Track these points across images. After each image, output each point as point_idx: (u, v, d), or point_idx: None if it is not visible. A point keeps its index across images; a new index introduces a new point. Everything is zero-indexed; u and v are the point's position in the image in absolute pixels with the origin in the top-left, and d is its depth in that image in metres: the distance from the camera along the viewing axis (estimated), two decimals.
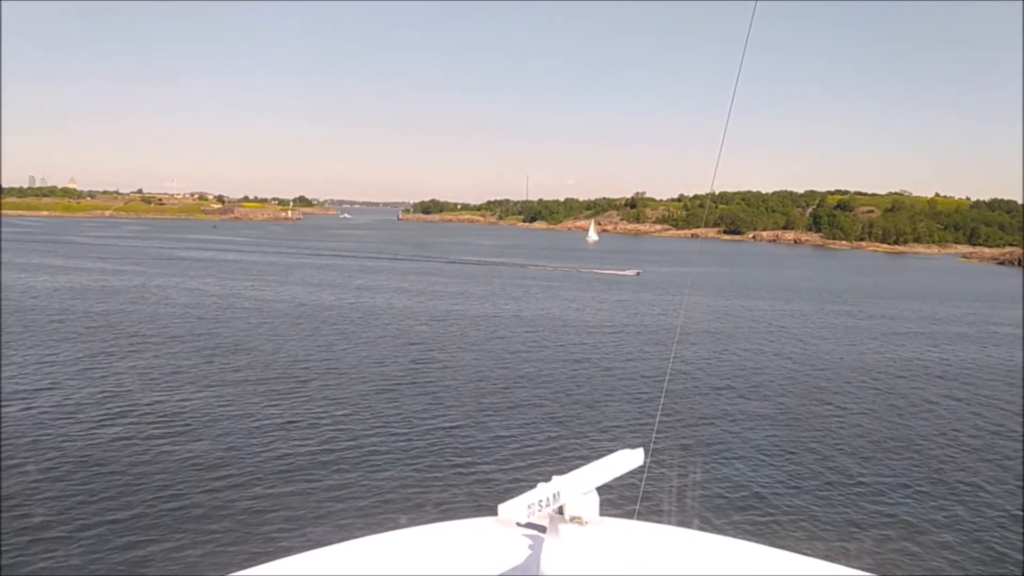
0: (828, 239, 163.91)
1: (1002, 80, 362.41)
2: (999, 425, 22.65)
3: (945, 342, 38.19)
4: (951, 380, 29.01)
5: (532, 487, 2.15)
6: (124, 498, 14.42)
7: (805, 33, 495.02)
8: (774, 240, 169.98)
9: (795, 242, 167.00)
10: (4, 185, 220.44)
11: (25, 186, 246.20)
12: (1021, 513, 15.43)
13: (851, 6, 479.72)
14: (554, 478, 2.21)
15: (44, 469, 15.85)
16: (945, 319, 47.57)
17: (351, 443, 18.07)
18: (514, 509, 2.01)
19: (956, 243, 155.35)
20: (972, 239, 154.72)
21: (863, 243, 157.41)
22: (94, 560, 12.13)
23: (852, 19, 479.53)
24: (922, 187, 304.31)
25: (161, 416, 19.94)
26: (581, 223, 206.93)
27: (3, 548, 12.24)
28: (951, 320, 47.22)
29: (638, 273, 69.59)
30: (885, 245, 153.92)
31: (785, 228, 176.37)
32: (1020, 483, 17.39)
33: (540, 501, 2.08)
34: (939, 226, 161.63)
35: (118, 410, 20.43)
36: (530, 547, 2.33)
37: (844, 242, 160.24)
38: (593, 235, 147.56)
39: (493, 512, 2.41)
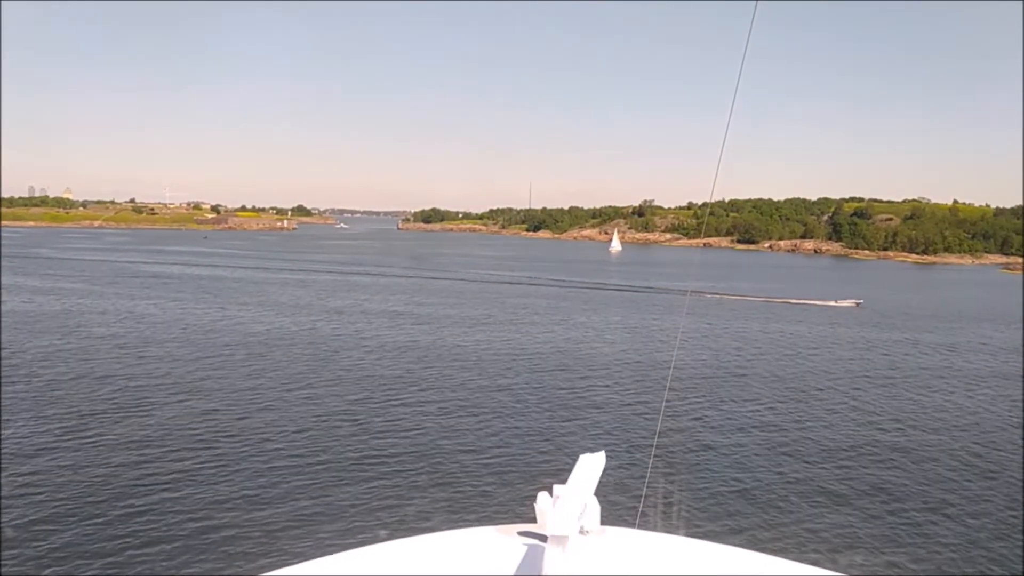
0: (850, 248, 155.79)
1: (1012, 84, 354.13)
2: None
3: None
4: None
5: (533, 495, 2.21)
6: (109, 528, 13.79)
7: (809, 40, 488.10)
8: (792, 250, 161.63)
9: (815, 252, 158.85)
10: (4, 195, 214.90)
11: (25, 196, 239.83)
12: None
13: (844, 8, 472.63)
14: (555, 487, 2.20)
15: None
16: None
17: (349, 456, 18.03)
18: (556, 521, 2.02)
19: (987, 252, 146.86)
20: (1004, 248, 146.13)
21: (889, 253, 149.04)
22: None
23: (849, 24, 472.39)
24: (937, 193, 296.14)
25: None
26: (587, 232, 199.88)
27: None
28: None
29: (859, 304, 56.44)
30: (913, 255, 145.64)
31: (803, 237, 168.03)
32: None
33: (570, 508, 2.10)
34: (967, 235, 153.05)
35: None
36: (531, 556, 2.34)
37: (868, 251, 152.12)
38: (616, 245, 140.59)
39: (493, 522, 2.53)
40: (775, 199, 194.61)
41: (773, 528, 14.67)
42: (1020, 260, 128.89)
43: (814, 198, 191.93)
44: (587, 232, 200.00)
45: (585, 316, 45.82)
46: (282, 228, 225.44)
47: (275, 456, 17.91)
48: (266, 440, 19.11)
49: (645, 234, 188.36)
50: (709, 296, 59.36)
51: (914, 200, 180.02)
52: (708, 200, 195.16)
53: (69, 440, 18.71)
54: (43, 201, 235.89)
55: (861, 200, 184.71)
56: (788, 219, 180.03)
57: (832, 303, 56.28)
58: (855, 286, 73.67)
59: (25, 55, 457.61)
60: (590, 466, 2.39)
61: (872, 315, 50.95)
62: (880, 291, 69.22)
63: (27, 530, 13.49)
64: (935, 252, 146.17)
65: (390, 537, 2.57)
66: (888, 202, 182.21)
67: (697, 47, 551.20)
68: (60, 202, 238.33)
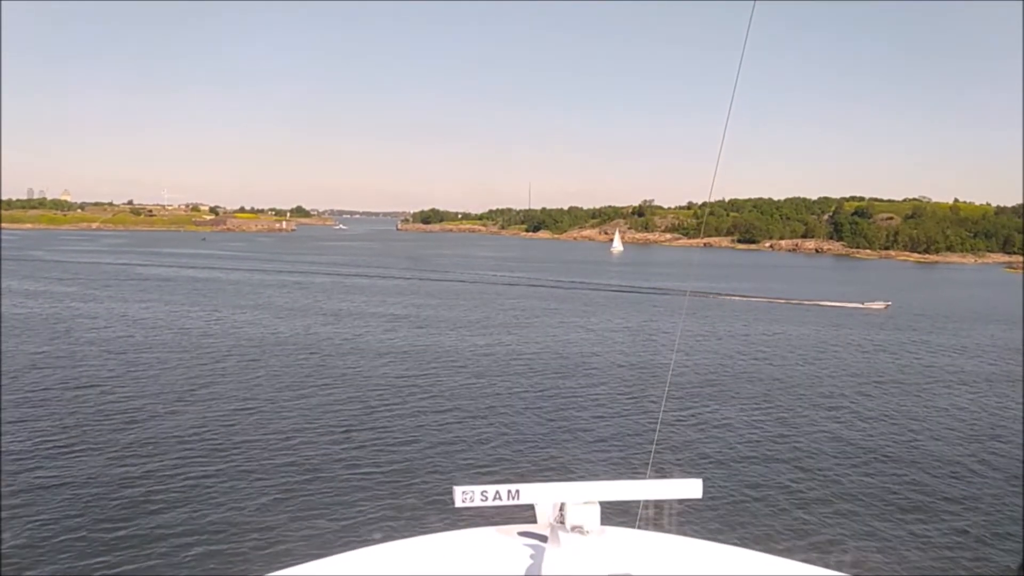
0: (851, 248, 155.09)
1: (1012, 84, 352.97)
2: None
3: None
4: None
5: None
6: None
7: (809, 40, 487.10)
8: (793, 249, 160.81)
9: (816, 251, 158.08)
10: (4, 197, 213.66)
11: (23, 199, 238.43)
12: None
13: (844, 8, 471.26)
14: (558, 486, 2.22)
15: None
16: None
17: (346, 460, 17.76)
18: (467, 494, 2.09)
19: (989, 251, 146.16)
20: (1006, 247, 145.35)
21: (891, 252, 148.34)
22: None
23: (849, 24, 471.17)
24: (938, 192, 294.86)
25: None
26: (587, 232, 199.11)
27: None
28: None
29: (887, 305, 54.02)
30: (915, 254, 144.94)
31: (804, 236, 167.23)
32: None
33: (497, 492, 2.11)
34: (968, 234, 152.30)
35: None
36: (531, 556, 2.34)
37: (869, 251, 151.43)
38: (618, 245, 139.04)
39: (494, 522, 2.57)
40: (775, 198, 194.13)
41: (773, 528, 14.53)
42: (1022, 259, 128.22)
43: (814, 197, 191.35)
44: (587, 232, 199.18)
45: (585, 318, 44.99)
46: (281, 229, 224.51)
47: (271, 460, 17.55)
48: (261, 445, 18.72)
49: (645, 234, 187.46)
50: (718, 297, 58.42)
51: (915, 199, 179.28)
52: (708, 200, 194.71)
53: (59, 446, 18.10)
54: (41, 203, 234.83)
55: (862, 199, 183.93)
56: (789, 219, 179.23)
57: (860, 305, 54.43)
58: (867, 286, 72.81)
59: (24, 55, 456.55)
60: (666, 490, 2.31)
61: (898, 317, 49.43)
62: (895, 292, 67.59)
63: (15, 541, 13.17)
64: (937, 251, 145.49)
65: (390, 538, 2.57)
66: (889, 201, 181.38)
67: (697, 47, 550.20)
68: (58, 204, 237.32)
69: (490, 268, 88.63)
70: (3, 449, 17.76)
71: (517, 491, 2.14)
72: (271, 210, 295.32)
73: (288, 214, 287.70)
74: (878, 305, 54.37)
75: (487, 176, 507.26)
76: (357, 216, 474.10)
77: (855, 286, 73.74)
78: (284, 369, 27.83)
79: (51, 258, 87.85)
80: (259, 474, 16.65)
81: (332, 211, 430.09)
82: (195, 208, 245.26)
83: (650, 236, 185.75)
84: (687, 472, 16.90)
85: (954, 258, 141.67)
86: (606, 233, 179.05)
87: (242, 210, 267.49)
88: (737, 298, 58.70)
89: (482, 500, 2.14)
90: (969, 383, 29.40)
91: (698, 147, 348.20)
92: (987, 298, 69.46)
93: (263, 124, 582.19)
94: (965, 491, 17.14)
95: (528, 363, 30.23)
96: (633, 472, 16.96)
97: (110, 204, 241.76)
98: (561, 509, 2.20)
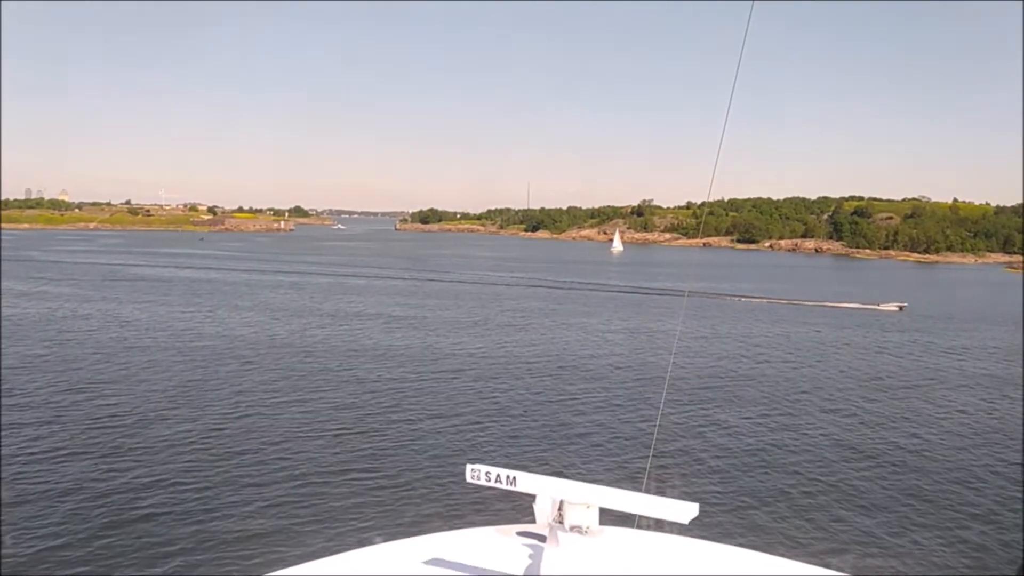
0: (851, 248, 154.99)
1: (1012, 84, 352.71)
2: None
3: None
4: None
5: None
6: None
7: (809, 40, 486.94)
8: (793, 249, 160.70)
9: (816, 251, 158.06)
10: (1, 197, 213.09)
11: (21, 199, 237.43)
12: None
13: (844, 8, 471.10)
14: (561, 483, 2.23)
15: None
16: None
17: (343, 461, 17.75)
18: (475, 472, 2.17)
19: (989, 251, 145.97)
20: (1006, 247, 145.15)
21: (891, 252, 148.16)
22: None
23: (849, 24, 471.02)
24: (937, 192, 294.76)
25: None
26: (586, 232, 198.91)
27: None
28: None
29: (902, 307, 52.46)
30: (915, 254, 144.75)
31: (804, 236, 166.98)
32: None
33: (499, 475, 2.17)
34: (968, 233, 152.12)
35: None
36: (530, 556, 2.36)
37: (869, 251, 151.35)
38: (618, 245, 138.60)
39: (493, 522, 2.63)
40: (775, 198, 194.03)
41: (772, 531, 14.49)
42: (1022, 259, 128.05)
43: (814, 197, 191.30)
44: (586, 232, 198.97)
45: (584, 319, 44.61)
46: (279, 229, 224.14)
47: (267, 463, 17.37)
48: (257, 448, 18.51)
49: (644, 234, 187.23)
50: (719, 297, 57.98)
51: (914, 199, 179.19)
52: (707, 200, 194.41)
53: (51, 450, 17.81)
54: (38, 203, 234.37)
55: (861, 199, 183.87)
56: (788, 218, 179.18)
57: (875, 306, 53.16)
58: (872, 287, 72.44)
59: (24, 56, 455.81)
60: (636, 503, 2.25)
61: (916, 320, 48.38)
62: (903, 292, 66.19)
63: (8, 547, 13.01)
64: (937, 251, 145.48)
65: (390, 538, 2.55)
66: (888, 201, 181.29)
67: (696, 47, 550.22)
68: (55, 204, 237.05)
69: (489, 268, 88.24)
70: (1, 453, 17.42)
71: (514, 477, 2.18)
72: (269, 210, 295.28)
73: (286, 214, 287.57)
74: (892, 307, 53.01)
75: (486, 176, 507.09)
76: (356, 216, 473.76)
77: (860, 286, 73.32)
78: (281, 371, 27.43)
79: (47, 258, 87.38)
80: (256, 477, 16.36)
81: (331, 211, 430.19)
82: (193, 208, 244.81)
83: (649, 236, 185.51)
84: (685, 476, 16.88)
85: (954, 258, 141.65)
86: (605, 233, 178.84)
87: (240, 210, 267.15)
88: (739, 299, 58.31)
89: (486, 480, 2.20)
90: (981, 386, 29.02)
91: (698, 147, 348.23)
92: (995, 299, 68.95)
93: (262, 124, 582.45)
94: (966, 496, 16.90)
95: (526, 365, 29.86)
96: (631, 476, 16.67)
97: (108, 204, 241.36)
98: (560, 509, 2.20)
